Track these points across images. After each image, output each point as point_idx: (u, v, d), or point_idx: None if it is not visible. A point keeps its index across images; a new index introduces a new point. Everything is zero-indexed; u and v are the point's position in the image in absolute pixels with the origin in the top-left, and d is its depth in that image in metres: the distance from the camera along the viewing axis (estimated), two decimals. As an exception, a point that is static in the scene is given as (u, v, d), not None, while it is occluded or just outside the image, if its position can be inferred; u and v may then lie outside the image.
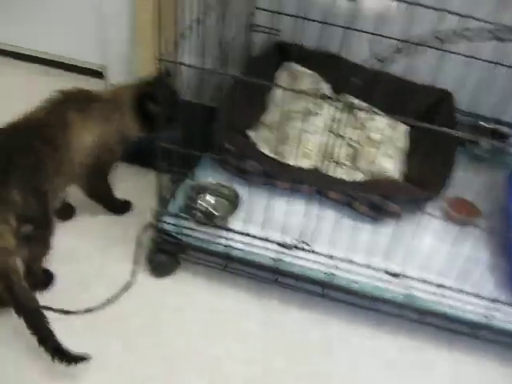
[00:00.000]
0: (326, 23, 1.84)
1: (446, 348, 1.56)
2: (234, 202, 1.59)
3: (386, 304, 1.50)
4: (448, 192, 1.71)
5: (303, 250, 1.49)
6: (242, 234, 1.50)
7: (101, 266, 1.66)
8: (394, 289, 1.47)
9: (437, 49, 1.14)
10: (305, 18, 1.66)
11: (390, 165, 1.75)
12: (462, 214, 1.73)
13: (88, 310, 1.51)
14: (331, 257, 1.47)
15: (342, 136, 1.77)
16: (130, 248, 1.69)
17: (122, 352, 1.46)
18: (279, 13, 1.90)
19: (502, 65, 1.83)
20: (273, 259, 1.50)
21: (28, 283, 1.47)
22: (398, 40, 1.03)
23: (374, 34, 1.68)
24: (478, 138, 1.79)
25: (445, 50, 1.22)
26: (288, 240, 1.50)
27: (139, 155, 1.79)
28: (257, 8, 2.02)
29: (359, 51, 1.89)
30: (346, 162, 1.77)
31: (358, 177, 1.72)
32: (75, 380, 1.37)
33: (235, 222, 1.55)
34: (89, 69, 2.46)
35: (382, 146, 1.80)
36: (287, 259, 1.50)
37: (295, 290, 1.56)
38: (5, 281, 1.30)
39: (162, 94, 1.39)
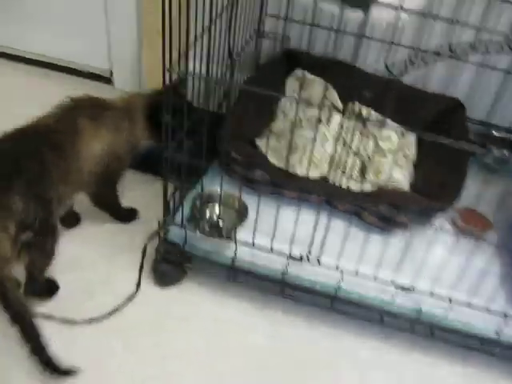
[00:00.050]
0: (335, 30, 1.81)
1: (460, 364, 1.54)
2: (241, 213, 1.56)
3: (396, 317, 1.47)
4: (458, 202, 1.68)
5: (311, 261, 1.46)
6: (248, 245, 1.48)
7: (106, 275, 1.64)
8: (403, 302, 1.45)
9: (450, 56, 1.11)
10: (314, 25, 1.63)
11: (400, 175, 1.73)
12: (472, 225, 1.70)
13: (91, 320, 1.50)
14: (339, 269, 1.44)
15: (350, 145, 1.75)
16: (135, 257, 1.67)
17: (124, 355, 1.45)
18: (288, 19, 1.87)
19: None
20: (280, 271, 1.47)
21: (31, 291, 1.48)
22: (412, 48, 0.99)
23: (384, 41, 1.66)
24: (485, 151, 1.76)
25: (458, 59, 1.18)
26: (296, 251, 1.47)
27: (147, 162, 1.77)
28: (266, 15, 1.99)
29: (369, 59, 1.88)
30: (355, 172, 1.75)
31: (367, 187, 1.70)
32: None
33: (242, 233, 1.53)
34: (95, 73, 2.46)
35: (392, 155, 1.77)
36: (295, 271, 1.48)
37: (302, 302, 1.54)
38: None
39: (174, 104, 1.36)
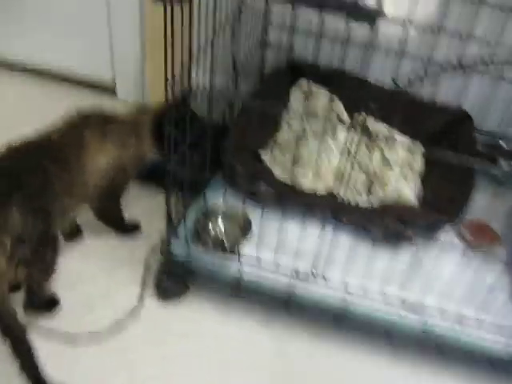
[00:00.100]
0: (340, 41, 1.79)
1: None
2: (245, 228, 1.54)
3: (402, 335, 1.44)
4: (466, 215, 1.66)
5: (316, 278, 1.43)
6: (252, 261, 1.45)
7: (107, 289, 1.62)
8: (411, 319, 1.42)
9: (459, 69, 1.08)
10: (319, 36, 1.60)
11: (407, 188, 1.70)
12: (480, 239, 1.67)
13: (93, 336, 1.47)
14: (345, 286, 1.42)
15: (357, 158, 1.72)
16: (137, 271, 1.65)
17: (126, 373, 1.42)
18: (292, 30, 1.84)
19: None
20: (285, 287, 1.44)
21: (30, 306, 1.47)
22: (420, 61, 0.97)
23: (390, 52, 1.64)
24: (492, 166, 1.73)
25: (468, 73, 1.16)
26: (301, 266, 1.44)
27: (151, 175, 1.75)
28: (270, 25, 1.97)
29: (375, 70, 1.85)
30: (361, 186, 1.72)
31: (374, 201, 1.67)
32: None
33: (246, 247, 1.50)
34: (98, 83, 2.44)
35: (398, 168, 1.75)
36: (300, 288, 1.45)
37: (307, 318, 1.51)
38: None
39: (179, 116, 1.34)
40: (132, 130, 1.62)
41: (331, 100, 1.94)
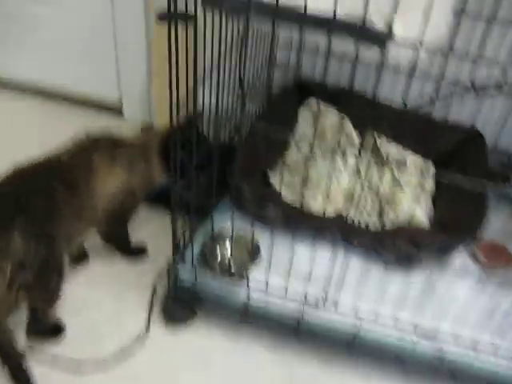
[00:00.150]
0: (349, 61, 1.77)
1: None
2: (253, 252, 1.51)
3: (416, 362, 1.40)
4: (479, 236, 1.61)
5: (327, 306, 1.39)
6: (261, 286, 1.42)
7: (114, 315, 1.59)
8: (424, 346, 1.38)
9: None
10: (327, 56, 1.58)
11: (419, 210, 1.67)
12: (495, 260, 1.63)
13: (98, 363, 1.45)
14: (356, 312, 1.38)
15: (367, 178, 1.69)
16: (144, 296, 1.63)
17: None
18: (300, 50, 1.82)
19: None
20: (295, 314, 1.41)
21: (34, 332, 1.45)
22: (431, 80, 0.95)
23: (400, 73, 1.62)
24: (503, 187, 1.69)
25: (480, 96, 1.13)
26: (311, 292, 1.41)
27: (159, 197, 1.73)
28: (278, 45, 1.95)
29: (384, 89, 1.83)
30: (372, 208, 1.69)
31: (385, 223, 1.63)
32: None
33: (254, 272, 1.47)
34: (104, 104, 2.44)
35: (410, 189, 1.72)
36: (310, 314, 1.41)
37: (317, 344, 1.48)
38: None
39: (187, 140, 1.31)
40: (141, 154, 1.60)
41: (340, 119, 1.92)
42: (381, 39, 0.91)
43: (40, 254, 1.32)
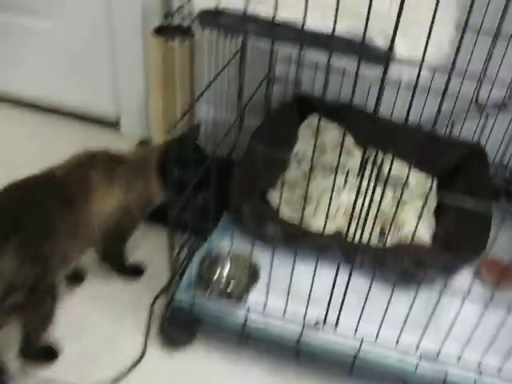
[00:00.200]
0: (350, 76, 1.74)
1: None
2: (252, 273, 1.47)
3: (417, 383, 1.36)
4: (483, 254, 1.56)
5: (327, 328, 1.36)
6: (260, 309, 1.39)
7: (110, 337, 1.55)
8: (427, 368, 1.34)
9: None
10: (327, 71, 1.55)
11: (422, 228, 1.63)
12: (498, 278, 1.59)
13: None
14: (358, 335, 1.34)
15: (368, 195, 1.66)
16: (141, 316, 1.59)
17: None
18: (300, 64, 1.80)
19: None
20: (294, 336, 1.37)
21: (28, 355, 1.41)
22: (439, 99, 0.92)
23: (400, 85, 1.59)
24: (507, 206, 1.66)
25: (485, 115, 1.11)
26: (311, 314, 1.38)
27: (158, 213, 1.69)
28: (277, 59, 1.92)
29: (386, 103, 1.80)
30: (374, 225, 1.65)
31: (387, 241, 1.60)
32: None
33: (254, 293, 1.44)
34: (101, 119, 2.41)
35: (412, 206, 1.68)
36: (310, 336, 1.38)
37: (318, 367, 1.45)
38: None
39: (187, 156, 1.28)
40: (139, 171, 1.57)
41: (341, 135, 1.88)
42: (382, 58, 0.88)
43: (33, 275, 1.29)
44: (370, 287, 1.34)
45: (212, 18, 0.96)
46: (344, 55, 0.91)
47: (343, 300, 1.33)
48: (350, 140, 1.89)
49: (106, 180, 1.49)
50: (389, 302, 1.32)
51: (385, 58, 0.87)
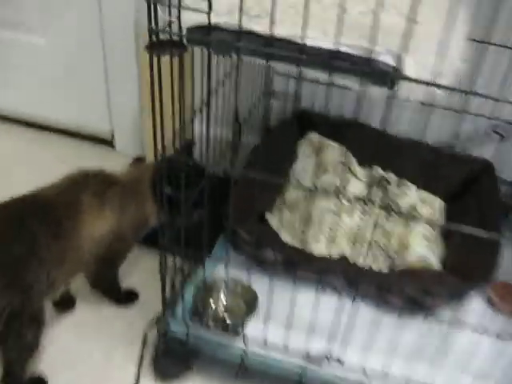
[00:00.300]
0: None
1: None
2: (251, 303, 1.39)
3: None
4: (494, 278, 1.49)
5: (331, 362, 1.28)
6: (259, 342, 1.31)
7: (100, 367, 1.49)
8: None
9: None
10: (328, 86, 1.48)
11: (427, 250, 1.56)
12: (510, 302, 1.51)
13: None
14: (363, 368, 1.26)
15: (372, 217, 1.58)
16: (134, 346, 1.49)
17: None
18: (299, 78, 1.72)
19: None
20: (296, 370, 1.29)
21: None
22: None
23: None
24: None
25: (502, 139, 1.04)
26: (314, 347, 1.29)
27: (152, 236, 1.61)
28: (275, 73, 1.85)
29: (392, 120, 1.72)
30: (379, 249, 1.58)
31: (393, 266, 1.52)
32: None
33: (252, 324, 1.36)
34: (95, 136, 2.35)
35: (419, 229, 1.60)
36: (313, 370, 1.30)
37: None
38: None
39: (181, 174, 1.20)
40: (132, 193, 1.49)
41: (343, 154, 1.81)
42: (389, 78, 0.80)
43: (12, 304, 1.22)
44: (376, 316, 1.27)
45: (202, 34, 0.89)
46: (347, 75, 0.83)
47: (348, 331, 1.25)
48: (353, 160, 1.82)
49: (97, 203, 1.42)
50: (394, 328, 1.24)
51: (392, 78, 0.79)
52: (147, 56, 0.95)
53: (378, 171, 1.74)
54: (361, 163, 1.82)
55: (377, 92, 0.82)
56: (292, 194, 1.71)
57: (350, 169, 1.78)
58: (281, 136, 1.82)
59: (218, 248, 1.57)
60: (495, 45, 1.26)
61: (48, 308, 1.50)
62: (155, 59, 0.95)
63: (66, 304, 1.62)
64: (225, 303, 1.42)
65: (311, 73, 0.92)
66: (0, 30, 2.22)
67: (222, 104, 1.41)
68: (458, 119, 1.46)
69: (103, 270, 1.53)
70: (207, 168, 1.17)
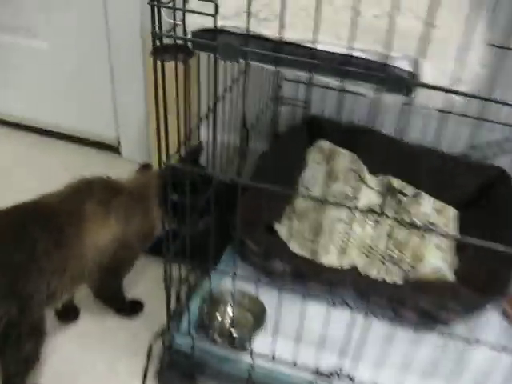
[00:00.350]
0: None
1: None
2: (258, 317, 1.35)
3: None
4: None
5: (342, 378, 1.23)
6: (267, 357, 1.26)
7: (104, 380, 1.45)
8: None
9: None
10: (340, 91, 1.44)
11: (440, 261, 1.51)
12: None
13: None
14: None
15: (384, 227, 1.54)
16: (138, 358, 1.46)
17: None
18: (309, 83, 1.68)
19: None
20: (306, 385, 1.25)
21: None
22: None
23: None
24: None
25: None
26: (325, 360, 1.25)
27: (158, 245, 1.58)
28: (284, 79, 1.81)
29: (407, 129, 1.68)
30: (391, 260, 1.53)
31: (405, 277, 1.47)
32: None
33: (259, 338, 1.32)
34: (102, 142, 2.33)
35: (432, 236, 1.56)
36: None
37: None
38: None
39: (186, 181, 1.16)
40: (138, 200, 1.46)
41: (354, 162, 1.77)
42: (406, 84, 0.76)
43: (10, 314, 1.19)
44: (389, 330, 1.22)
45: (208, 38, 0.85)
46: (361, 81, 0.79)
47: (359, 347, 1.20)
48: (363, 166, 1.77)
49: (101, 211, 1.38)
50: (408, 343, 1.19)
51: (409, 85, 0.74)
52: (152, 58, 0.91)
53: (390, 180, 1.70)
54: (372, 171, 1.78)
55: (392, 99, 0.78)
56: (301, 202, 1.67)
57: (361, 177, 1.73)
58: (290, 142, 1.77)
59: (225, 258, 1.53)
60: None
61: (50, 318, 1.49)
62: (159, 65, 0.91)
63: (69, 314, 1.59)
64: (231, 316, 1.38)
65: (322, 78, 0.88)
66: (1, 34, 2.21)
67: (230, 110, 1.38)
68: (474, 126, 1.40)
69: (107, 280, 1.49)
70: (214, 176, 1.12)
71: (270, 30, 0.86)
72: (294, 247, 1.49)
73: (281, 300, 1.22)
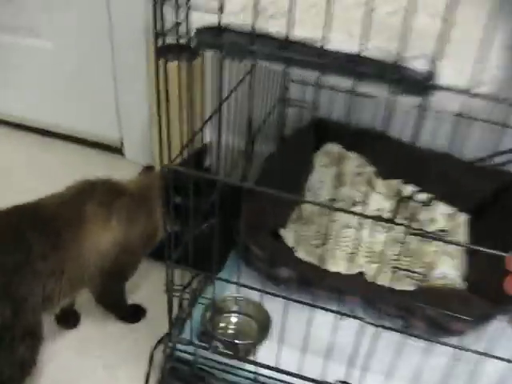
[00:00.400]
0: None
1: None
2: (263, 325, 1.32)
3: None
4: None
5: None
6: (271, 368, 1.23)
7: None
8: None
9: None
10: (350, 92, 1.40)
11: (451, 269, 1.48)
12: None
13: None
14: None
15: (393, 233, 1.50)
16: (140, 365, 1.43)
17: None
18: (317, 85, 1.64)
19: None
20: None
21: None
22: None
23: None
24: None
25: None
26: (331, 372, 1.21)
27: (161, 249, 1.55)
28: (291, 80, 1.78)
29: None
30: (400, 266, 1.49)
31: (414, 285, 1.44)
32: None
33: (264, 347, 1.30)
34: (104, 143, 2.30)
35: (443, 247, 1.53)
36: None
37: None
38: None
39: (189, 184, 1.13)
40: (141, 203, 1.43)
41: (362, 166, 1.73)
42: (422, 86, 0.72)
43: (3, 316, 1.17)
44: (399, 340, 1.18)
45: (213, 36, 0.81)
46: (374, 82, 0.75)
47: (368, 356, 1.17)
48: (371, 170, 1.73)
49: (102, 213, 1.36)
50: (419, 353, 1.15)
51: (426, 87, 0.70)
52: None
53: (401, 185, 1.66)
54: (382, 175, 1.74)
55: (407, 101, 0.74)
56: (308, 207, 1.64)
57: (370, 181, 1.70)
58: (296, 145, 1.74)
59: (230, 264, 1.50)
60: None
61: (50, 322, 1.47)
62: (161, 64, 0.87)
63: (69, 319, 1.56)
64: (236, 322, 1.37)
65: (331, 80, 0.84)
66: (4, 34, 2.19)
67: (235, 111, 1.35)
68: (492, 131, 1.36)
69: (109, 285, 1.46)
70: (219, 179, 1.09)
71: (277, 28, 0.83)
72: (300, 253, 1.46)
73: (286, 307, 1.19)
